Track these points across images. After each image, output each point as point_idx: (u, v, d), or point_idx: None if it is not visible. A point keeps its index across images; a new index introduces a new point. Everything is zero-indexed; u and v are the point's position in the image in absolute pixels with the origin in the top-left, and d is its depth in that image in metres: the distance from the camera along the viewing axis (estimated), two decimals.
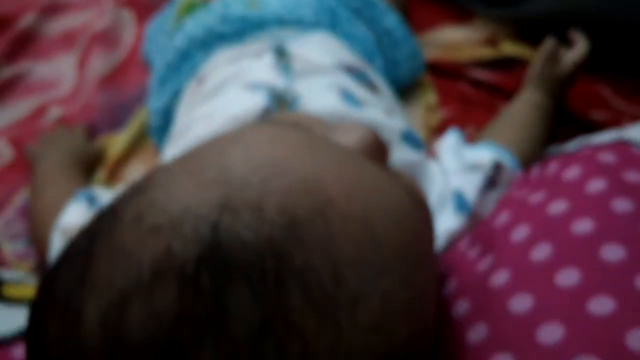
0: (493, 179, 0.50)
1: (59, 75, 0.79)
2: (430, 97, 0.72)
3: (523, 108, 0.61)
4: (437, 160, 0.53)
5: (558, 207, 0.39)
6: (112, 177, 0.66)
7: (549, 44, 0.62)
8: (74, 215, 0.50)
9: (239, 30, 0.61)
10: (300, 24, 0.61)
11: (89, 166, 0.67)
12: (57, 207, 0.52)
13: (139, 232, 0.26)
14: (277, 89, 0.52)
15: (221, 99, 0.54)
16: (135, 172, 0.67)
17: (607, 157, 0.42)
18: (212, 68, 0.58)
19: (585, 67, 0.69)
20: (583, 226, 0.36)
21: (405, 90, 0.73)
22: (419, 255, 0.31)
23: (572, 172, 0.42)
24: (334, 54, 0.58)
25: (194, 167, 0.29)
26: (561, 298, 0.33)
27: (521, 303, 0.34)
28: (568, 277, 0.34)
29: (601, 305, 0.31)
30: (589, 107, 0.67)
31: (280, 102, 0.51)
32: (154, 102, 0.65)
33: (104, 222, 0.28)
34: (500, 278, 0.37)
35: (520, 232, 0.39)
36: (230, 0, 0.63)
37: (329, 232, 0.27)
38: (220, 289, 0.24)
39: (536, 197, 0.42)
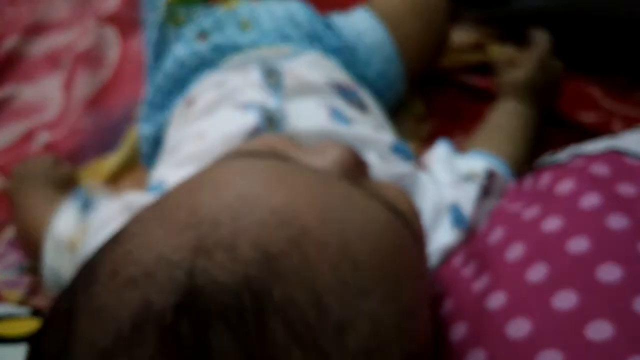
0: (487, 188, 0.50)
1: (45, 99, 0.78)
2: (418, 107, 0.72)
3: (501, 117, 0.61)
4: (428, 172, 0.53)
5: (552, 224, 0.39)
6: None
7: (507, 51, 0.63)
8: (66, 222, 0.50)
9: (229, 55, 0.61)
10: (291, 42, 0.60)
11: (64, 188, 0.65)
12: (47, 212, 0.53)
13: (115, 287, 0.26)
14: (268, 108, 0.51)
15: (213, 118, 0.54)
16: (128, 190, 0.66)
17: (600, 169, 0.42)
18: (200, 90, 0.58)
19: (574, 68, 0.69)
20: (578, 245, 0.36)
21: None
22: (404, 271, 0.30)
23: (565, 186, 0.42)
24: (326, 72, 0.58)
25: (165, 212, 0.28)
26: (559, 323, 0.33)
27: (519, 328, 0.34)
28: (565, 301, 0.34)
29: (600, 330, 0.31)
30: (578, 108, 0.67)
31: (270, 120, 0.50)
32: (144, 129, 0.65)
33: (83, 278, 0.28)
34: (496, 300, 0.36)
35: (515, 251, 0.39)
36: (224, 18, 0.62)
37: (305, 261, 0.26)
38: (201, 334, 0.24)
39: (530, 213, 0.41)
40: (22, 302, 0.56)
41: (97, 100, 0.76)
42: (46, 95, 0.78)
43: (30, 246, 0.56)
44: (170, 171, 0.52)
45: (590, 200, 0.39)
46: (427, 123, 0.70)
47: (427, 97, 0.72)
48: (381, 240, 0.29)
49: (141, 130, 0.65)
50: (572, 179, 0.42)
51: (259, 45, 0.60)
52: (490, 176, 0.51)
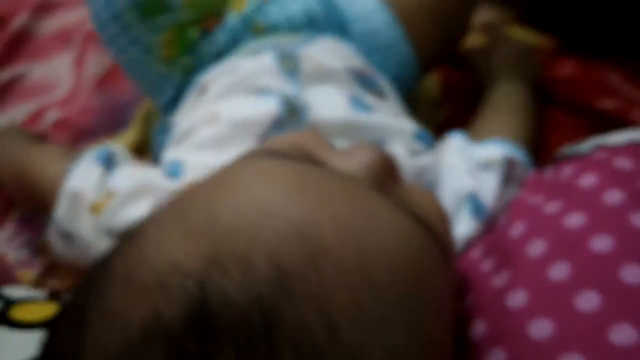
0: (507, 175, 0.49)
1: (56, 78, 0.77)
2: (434, 91, 0.70)
3: (499, 100, 0.61)
4: (444, 161, 0.52)
5: (575, 220, 0.38)
6: None
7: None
8: (85, 178, 0.49)
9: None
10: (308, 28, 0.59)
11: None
12: (53, 160, 0.53)
13: (128, 291, 0.25)
14: (288, 96, 0.50)
15: (227, 102, 0.52)
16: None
17: (623, 163, 0.41)
18: (213, 77, 0.56)
19: (592, 52, 0.68)
20: (602, 244, 0.35)
21: None
22: (428, 298, 0.29)
23: (588, 180, 0.41)
24: (343, 58, 0.56)
25: (182, 215, 0.28)
26: (582, 325, 0.32)
27: (540, 329, 0.33)
28: (588, 302, 0.33)
29: (623, 334, 0.31)
30: (596, 95, 0.65)
31: (290, 109, 0.49)
32: (156, 100, 0.62)
33: (98, 276, 0.28)
34: (517, 299, 0.36)
35: (537, 248, 0.38)
36: (237, 30, 0.58)
37: (321, 283, 0.25)
38: (208, 354, 0.24)
39: (552, 207, 0.41)
40: (36, 284, 0.56)
41: (106, 80, 0.75)
42: (57, 74, 0.77)
43: (27, 192, 0.55)
44: (190, 154, 0.50)
45: (614, 197, 0.38)
46: (443, 108, 0.69)
47: (443, 80, 0.71)
48: (406, 262, 0.28)
49: (155, 102, 0.63)
50: (595, 172, 0.41)
51: (277, 29, 0.58)
52: (509, 163, 0.50)
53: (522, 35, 0.73)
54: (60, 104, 0.74)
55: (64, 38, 0.81)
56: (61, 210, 0.49)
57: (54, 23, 0.83)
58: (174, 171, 0.49)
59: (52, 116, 0.73)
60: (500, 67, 0.64)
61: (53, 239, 0.51)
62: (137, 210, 0.45)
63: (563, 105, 0.66)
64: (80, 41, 0.80)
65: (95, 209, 0.47)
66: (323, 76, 0.53)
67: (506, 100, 0.61)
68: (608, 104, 0.64)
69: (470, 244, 0.46)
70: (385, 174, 0.34)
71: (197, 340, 0.24)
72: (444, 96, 0.70)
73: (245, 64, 0.54)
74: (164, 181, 0.47)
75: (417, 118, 0.67)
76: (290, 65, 0.53)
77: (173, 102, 0.59)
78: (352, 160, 0.34)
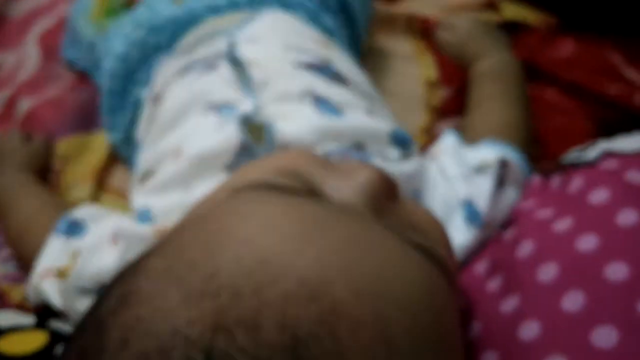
0: (501, 178, 0.47)
1: (23, 60, 0.73)
2: (431, 71, 0.68)
3: (485, 86, 0.59)
4: (436, 164, 0.49)
5: (588, 243, 0.37)
6: (100, 187, 0.62)
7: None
8: (51, 256, 0.46)
9: (173, 35, 0.57)
10: (235, 7, 0.56)
11: (40, 165, 0.61)
12: (32, 237, 0.49)
13: None
14: (245, 114, 0.46)
15: (185, 127, 0.49)
16: (122, 181, 0.63)
17: (635, 177, 0.39)
18: (164, 83, 0.53)
19: (593, 30, 0.65)
20: (617, 272, 0.34)
21: (403, 64, 0.68)
22: (444, 336, 0.28)
23: (599, 196, 0.39)
24: (290, 48, 0.53)
25: (179, 273, 0.26)
26: None
27: None
28: (605, 337, 0.32)
29: None
30: (599, 78, 0.63)
31: (253, 130, 0.46)
32: (112, 138, 0.61)
33: (90, 341, 0.25)
34: (530, 331, 0.35)
35: (548, 272, 0.37)
36: (153, 1, 0.57)
37: (337, 346, 0.23)
38: None
39: (562, 225, 0.39)
40: (24, 303, 0.53)
41: (83, 74, 0.71)
42: (24, 57, 0.74)
43: (19, 254, 0.53)
44: (154, 198, 0.47)
45: (628, 217, 0.37)
46: (440, 90, 0.66)
47: (440, 62, 0.69)
48: (421, 308, 0.27)
49: (111, 139, 0.61)
50: (606, 187, 0.39)
51: (196, 13, 0.56)
52: (504, 165, 0.48)
53: (517, 13, 0.70)
54: (28, 87, 0.71)
55: (31, 21, 0.77)
56: (31, 295, 0.46)
57: (26, 6, 0.78)
58: (143, 218, 0.46)
59: (22, 106, 0.69)
60: (464, 44, 0.63)
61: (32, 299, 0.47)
62: (107, 258, 0.42)
63: (564, 86, 0.64)
64: (47, 22, 0.76)
65: (62, 274, 0.44)
66: (276, 79, 0.49)
67: (490, 84, 0.58)
68: (612, 89, 0.62)
69: (470, 254, 0.44)
70: (385, 195, 0.32)
71: None
72: (441, 78, 0.67)
73: (201, 78, 0.51)
74: (134, 227, 0.45)
75: (411, 100, 0.65)
76: (242, 76, 0.50)
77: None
78: (351, 183, 0.32)
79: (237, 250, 0.26)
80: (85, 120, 0.67)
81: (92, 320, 0.26)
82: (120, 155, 0.63)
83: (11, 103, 0.70)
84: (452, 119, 0.63)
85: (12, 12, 0.78)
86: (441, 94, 0.66)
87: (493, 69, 0.59)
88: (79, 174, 0.63)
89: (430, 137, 0.61)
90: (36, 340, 0.44)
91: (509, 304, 0.37)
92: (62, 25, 0.74)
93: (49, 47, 0.74)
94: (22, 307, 0.52)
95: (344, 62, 0.55)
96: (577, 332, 0.33)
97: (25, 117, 0.68)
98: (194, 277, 0.25)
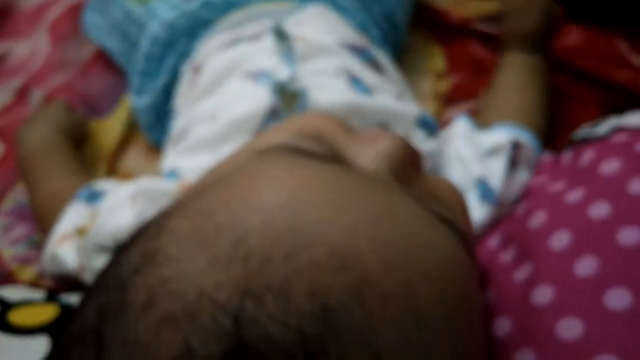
0: (514, 159, 0.48)
1: (34, 50, 0.74)
2: (438, 62, 0.68)
3: (512, 74, 0.58)
4: (450, 147, 0.50)
5: (600, 210, 0.37)
6: (112, 171, 0.62)
7: None
8: (72, 219, 0.47)
9: (224, 13, 0.57)
10: None
11: (77, 138, 0.63)
12: (57, 206, 0.49)
13: (152, 321, 0.23)
14: (281, 81, 0.48)
15: (222, 93, 0.50)
16: (134, 163, 0.63)
17: None
18: (206, 54, 0.54)
19: (597, 20, 0.66)
20: (630, 237, 0.34)
21: (411, 56, 0.69)
22: (469, 310, 0.27)
23: (610, 166, 0.39)
24: (335, 31, 0.54)
25: (206, 234, 0.25)
26: (614, 325, 0.31)
27: (570, 329, 0.32)
28: (618, 299, 0.32)
29: None
30: (607, 65, 0.63)
31: (286, 97, 0.47)
32: (138, 101, 0.60)
33: (112, 298, 0.25)
34: (543, 296, 0.34)
35: (561, 240, 0.37)
36: None
37: (367, 316, 0.23)
38: None
39: (574, 195, 0.39)
40: (35, 282, 0.54)
41: (91, 61, 0.72)
42: (34, 47, 0.74)
43: (42, 222, 0.53)
44: (184, 158, 0.48)
45: (639, 185, 0.37)
46: (447, 79, 0.66)
47: (446, 49, 0.69)
48: (447, 280, 0.26)
49: (135, 103, 0.61)
50: (617, 158, 0.39)
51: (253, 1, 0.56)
52: (516, 147, 0.48)
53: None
54: (39, 76, 0.71)
55: (43, 12, 0.77)
56: (46, 264, 0.46)
57: None
58: (171, 177, 0.47)
59: (37, 96, 0.70)
60: (529, 33, 0.60)
61: (47, 271, 0.48)
62: (126, 215, 0.42)
63: (574, 74, 0.64)
64: (58, 12, 0.76)
65: (81, 232, 0.45)
66: (317, 54, 0.50)
67: (520, 75, 0.58)
68: (620, 75, 0.62)
69: (484, 231, 0.45)
70: (408, 164, 0.32)
71: None
72: (448, 67, 0.67)
73: (243, 45, 0.52)
74: (157, 184, 0.45)
75: (421, 90, 0.66)
76: (284, 47, 0.50)
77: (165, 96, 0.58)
78: (374, 150, 0.31)
79: (266, 215, 0.25)
80: (94, 106, 0.68)
81: (113, 277, 0.26)
82: (139, 127, 0.64)
83: (23, 92, 0.71)
84: (460, 105, 0.64)
85: (22, 4, 0.79)
86: (449, 82, 0.66)
87: (525, 63, 0.59)
88: (90, 158, 0.63)
89: (440, 124, 0.61)
90: (46, 312, 0.44)
91: (522, 272, 0.37)
92: (71, 13, 0.75)
93: (59, 35, 0.75)
94: (32, 285, 0.53)
95: (381, 54, 0.56)
96: (591, 295, 0.33)
97: (41, 103, 0.69)
98: (221, 241, 0.24)
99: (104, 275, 0.27)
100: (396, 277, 0.24)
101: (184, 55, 0.58)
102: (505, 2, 0.62)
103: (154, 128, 0.61)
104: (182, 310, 0.23)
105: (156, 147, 0.62)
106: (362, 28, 0.59)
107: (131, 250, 0.26)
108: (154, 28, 0.58)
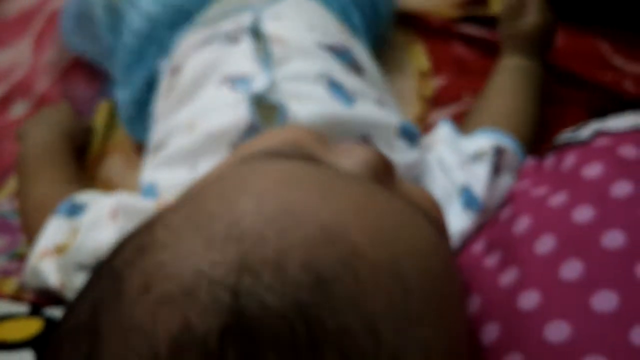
0: (497, 165, 0.48)
1: (17, 60, 0.73)
2: (422, 62, 0.68)
3: (504, 79, 0.59)
4: (433, 153, 0.50)
5: (583, 214, 0.37)
6: (91, 179, 0.62)
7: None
8: (53, 235, 0.46)
9: (205, 3, 0.57)
10: None
11: (80, 142, 0.63)
12: (42, 214, 0.49)
13: (149, 303, 0.23)
14: (258, 92, 0.47)
15: (200, 99, 0.50)
16: (113, 171, 0.63)
17: (629, 151, 0.40)
18: (184, 55, 0.53)
19: (580, 22, 0.66)
20: (614, 240, 0.34)
21: (395, 53, 0.69)
22: (452, 292, 0.29)
23: (593, 170, 0.40)
24: (315, 27, 0.54)
25: (199, 221, 0.26)
26: (602, 326, 0.31)
27: (557, 332, 0.32)
28: (604, 301, 0.32)
29: None
30: (589, 66, 0.64)
31: (264, 110, 0.46)
32: (122, 94, 0.60)
33: (106, 289, 0.25)
34: (529, 300, 0.35)
35: (545, 244, 0.37)
36: None
37: (358, 285, 0.24)
38: None
39: (557, 199, 0.39)
40: (17, 295, 0.53)
41: (69, 67, 0.71)
42: (17, 57, 0.73)
43: (28, 230, 0.52)
44: (161, 173, 0.48)
45: (623, 189, 0.37)
46: (432, 80, 0.67)
47: (431, 51, 0.69)
48: (431, 260, 0.28)
49: (119, 96, 0.60)
50: (600, 162, 0.40)
51: None
52: (499, 152, 0.48)
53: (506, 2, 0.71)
54: (21, 87, 0.71)
55: (26, 20, 0.76)
56: (28, 277, 0.46)
57: (17, 4, 0.78)
58: (149, 194, 0.47)
59: (20, 108, 0.69)
60: (527, 37, 0.60)
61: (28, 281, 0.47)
62: (106, 233, 0.42)
63: (558, 75, 0.64)
64: (41, 21, 0.76)
65: (60, 250, 0.44)
66: (296, 57, 0.50)
67: (513, 80, 0.58)
68: (600, 75, 0.63)
69: (468, 238, 0.45)
70: (383, 173, 0.33)
71: (237, 352, 0.22)
72: (433, 68, 0.68)
73: (220, 50, 0.51)
74: (136, 201, 0.45)
75: (405, 91, 0.66)
76: (261, 51, 0.50)
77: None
78: (351, 160, 0.33)
79: (258, 199, 0.26)
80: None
81: (107, 271, 0.26)
82: (117, 134, 0.63)
83: (5, 101, 0.70)
84: (444, 108, 0.64)
85: (5, 12, 0.78)
86: (433, 84, 0.66)
87: (519, 67, 0.59)
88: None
89: (424, 127, 0.61)
90: (30, 327, 0.43)
91: (508, 277, 0.37)
92: (53, 20, 0.74)
93: (42, 42, 0.74)
94: (14, 298, 0.52)
95: (361, 53, 0.56)
96: (577, 297, 0.33)
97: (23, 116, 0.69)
98: (216, 225, 0.25)
99: (96, 272, 0.27)
100: (382, 251, 0.26)
101: (165, 48, 0.57)
102: (504, 5, 0.62)
103: (135, 123, 0.60)
104: (179, 289, 0.23)
105: (137, 144, 0.61)
106: (343, 14, 0.59)
107: (123, 248, 0.27)
108: (136, 22, 0.58)
